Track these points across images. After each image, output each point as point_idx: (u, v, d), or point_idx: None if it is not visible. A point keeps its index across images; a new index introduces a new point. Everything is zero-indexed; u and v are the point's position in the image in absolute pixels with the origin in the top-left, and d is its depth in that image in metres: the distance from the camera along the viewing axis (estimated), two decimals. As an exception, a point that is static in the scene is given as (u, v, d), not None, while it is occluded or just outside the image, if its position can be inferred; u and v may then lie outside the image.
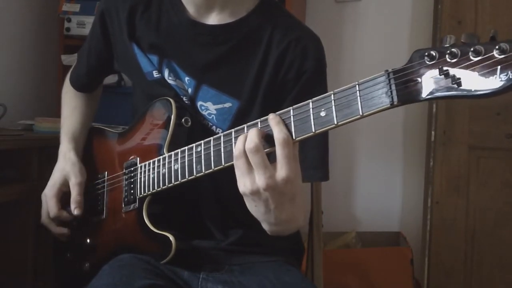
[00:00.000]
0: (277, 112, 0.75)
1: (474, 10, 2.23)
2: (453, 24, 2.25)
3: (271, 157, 0.74)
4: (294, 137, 0.72)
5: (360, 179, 2.54)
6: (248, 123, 0.77)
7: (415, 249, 2.17)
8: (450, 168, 2.25)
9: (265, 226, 0.81)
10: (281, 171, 0.71)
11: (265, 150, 0.73)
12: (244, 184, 0.74)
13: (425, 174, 2.38)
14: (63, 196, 1.11)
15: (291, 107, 0.73)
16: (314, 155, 0.99)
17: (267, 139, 0.74)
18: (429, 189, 2.29)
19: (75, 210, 1.07)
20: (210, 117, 1.01)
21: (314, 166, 1.00)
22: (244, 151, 0.72)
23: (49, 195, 1.10)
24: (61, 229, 1.12)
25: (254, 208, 0.77)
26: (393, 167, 2.49)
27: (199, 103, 1.01)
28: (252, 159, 0.72)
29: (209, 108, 1.00)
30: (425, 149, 2.40)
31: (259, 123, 0.76)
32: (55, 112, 2.05)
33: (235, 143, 0.78)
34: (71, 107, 1.23)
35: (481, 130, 2.23)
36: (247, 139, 0.73)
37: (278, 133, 0.72)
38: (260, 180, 0.72)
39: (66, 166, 1.12)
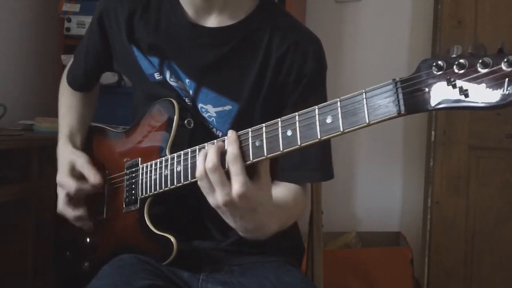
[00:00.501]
0: (282, 118, 0.74)
1: (474, 10, 2.23)
2: (453, 24, 2.25)
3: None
4: (299, 143, 0.72)
5: (360, 179, 2.54)
6: (252, 128, 0.77)
7: (415, 249, 2.17)
8: (450, 168, 2.26)
9: (240, 233, 0.85)
10: (234, 186, 0.75)
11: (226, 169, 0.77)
12: (211, 201, 0.78)
13: (425, 174, 2.38)
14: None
15: (296, 113, 0.72)
16: (318, 156, 1.00)
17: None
18: (429, 189, 2.29)
19: (95, 181, 1.05)
20: (210, 120, 1.01)
21: (319, 167, 1.01)
22: (206, 171, 0.76)
23: (62, 177, 1.08)
24: (78, 210, 1.08)
25: (225, 219, 0.81)
26: (393, 167, 2.49)
27: (199, 106, 1.01)
28: (211, 178, 0.76)
29: (209, 110, 1.00)
30: (425, 149, 2.41)
31: (264, 127, 0.76)
32: (55, 112, 2.02)
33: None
34: (67, 106, 1.23)
35: (481, 130, 2.23)
36: (207, 158, 0.76)
37: (229, 152, 0.75)
38: (219, 197, 0.76)
39: (68, 157, 1.11)
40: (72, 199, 1.08)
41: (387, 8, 2.48)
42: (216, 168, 0.75)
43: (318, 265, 1.22)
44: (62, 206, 1.09)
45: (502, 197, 2.21)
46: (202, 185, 0.78)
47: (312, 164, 0.99)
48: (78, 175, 1.08)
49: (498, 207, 2.21)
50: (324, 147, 1.01)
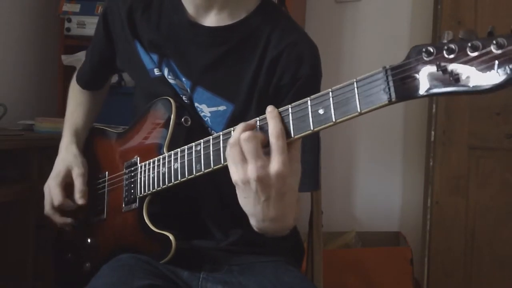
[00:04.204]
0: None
1: (474, 10, 2.24)
2: (453, 24, 2.25)
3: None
4: (292, 135, 0.72)
5: (360, 179, 2.54)
6: (247, 122, 0.77)
7: (414, 249, 2.17)
8: (450, 168, 2.26)
9: (253, 221, 0.80)
10: (273, 163, 0.70)
11: (264, 149, 0.72)
12: (236, 172, 0.72)
13: (425, 174, 2.38)
14: (66, 187, 1.10)
15: (289, 105, 0.73)
16: (305, 167, 0.98)
17: (265, 136, 0.73)
18: (429, 189, 2.29)
19: (80, 199, 1.07)
20: (205, 119, 1.00)
21: (307, 175, 0.98)
22: (239, 140, 0.71)
23: (52, 185, 1.10)
24: (65, 219, 1.11)
25: (244, 200, 0.75)
26: (393, 167, 2.50)
27: (195, 105, 1.01)
28: (245, 148, 0.71)
29: (203, 110, 1.00)
30: (425, 149, 2.41)
31: (257, 121, 0.76)
32: (55, 112, 2.05)
33: None
34: (76, 103, 1.24)
35: (481, 130, 2.23)
36: (245, 127, 0.73)
37: (272, 126, 0.71)
38: (251, 169, 0.70)
39: (69, 157, 1.12)
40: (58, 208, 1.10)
41: (387, 8, 2.48)
42: (252, 138, 0.70)
43: (318, 265, 1.21)
44: (49, 210, 1.11)
45: (502, 197, 2.21)
46: (233, 153, 0.72)
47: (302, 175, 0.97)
48: (69, 183, 1.10)
49: (498, 207, 2.21)
50: (312, 159, 1.00)
